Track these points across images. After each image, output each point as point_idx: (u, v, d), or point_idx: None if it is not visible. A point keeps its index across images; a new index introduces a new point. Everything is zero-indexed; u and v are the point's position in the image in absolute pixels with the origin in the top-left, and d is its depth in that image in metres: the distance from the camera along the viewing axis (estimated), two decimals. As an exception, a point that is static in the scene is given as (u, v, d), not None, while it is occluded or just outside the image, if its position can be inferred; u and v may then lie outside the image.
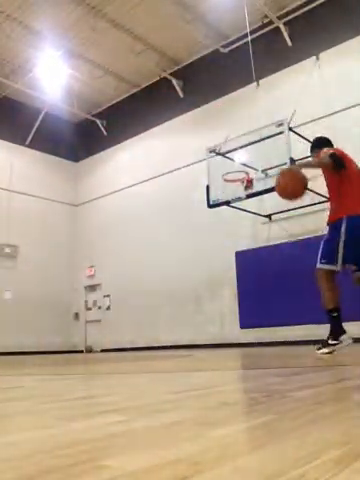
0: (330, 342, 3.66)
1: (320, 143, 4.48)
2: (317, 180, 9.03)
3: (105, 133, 14.46)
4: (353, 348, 5.03)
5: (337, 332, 3.69)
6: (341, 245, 3.70)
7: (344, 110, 9.05)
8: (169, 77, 12.43)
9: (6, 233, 12.76)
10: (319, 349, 3.71)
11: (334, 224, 3.81)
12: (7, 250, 12.73)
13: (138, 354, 8.05)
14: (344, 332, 3.70)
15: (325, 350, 3.63)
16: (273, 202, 8.54)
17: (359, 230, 3.71)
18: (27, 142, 13.77)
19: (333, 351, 3.61)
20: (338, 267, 3.75)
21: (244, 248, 9.81)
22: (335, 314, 3.76)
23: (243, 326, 9.50)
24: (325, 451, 0.61)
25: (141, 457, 0.62)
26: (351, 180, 3.90)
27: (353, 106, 8.95)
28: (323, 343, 3.72)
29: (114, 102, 14.13)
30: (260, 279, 9.08)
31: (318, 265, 3.82)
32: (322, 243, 3.89)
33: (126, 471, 0.55)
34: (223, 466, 0.56)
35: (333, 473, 0.52)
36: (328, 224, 3.93)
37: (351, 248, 3.72)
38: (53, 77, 12.18)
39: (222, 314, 10.17)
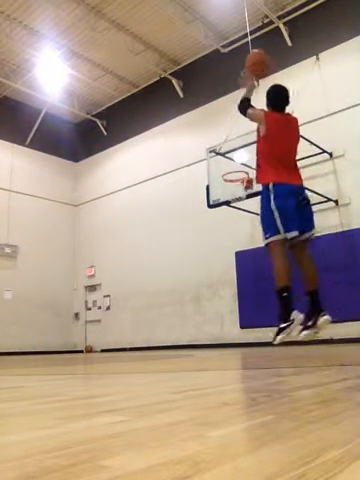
0: (282, 326, 3.46)
1: (269, 98, 4.22)
2: (317, 180, 9.06)
3: (105, 133, 14.46)
4: (353, 348, 5.04)
5: (287, 313, 3.48)
6: (276, 215, 3.59)
7: (344, 110, 9.06)
8: (169, 77, 12.43)
9: (6, 233, 12.76)
10: (274, 340, 3.53)
11: (263, 190, 3.77)
12: (7, 250, 12.73)
13: (138, 354, 8.06)
14: (293, 309, 3.49)
15: (281, 336, 3.46)
16: (273, 202, 8.54)
17: (286, 198, 3.62)
18: (27, 142, 13.77)
19: (290, 333, 3.45)
20: (283, 235, 3.58)
21: (244, 248, 9.81)
22: (285, 294, 3.52)
23: (243, 326, 9.50)
24: (325, 451, 0.61)
25: (141, 457, 0.62)
26: (273, 146, 3.81)
27: (353, 106, 8.96)
28: (277, 332, 3.52)
29: (114, 102, 14.13)
30: (260, 279, 9.08)
31: (264, 241, 3.71)
32: (260, 214, 3.81)
33: (126, 471, 0.55)
34: (223, 466, 0.56)
35: (333, 473, 0.52)
36: (257, 183, 3.93)
37: (286, 217, 3.60)
38: (53, 77, 12.18)
39: (222, 314, 10.17)
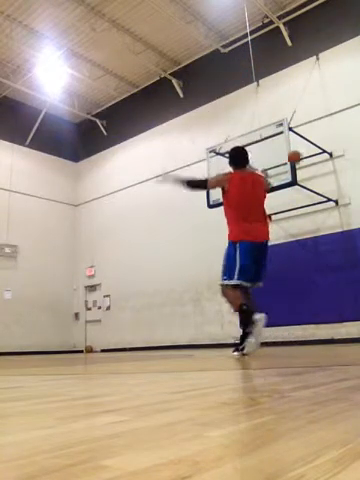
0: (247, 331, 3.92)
1: (231, 159, 4.59)
2: (317, 180, 9.06)
3: (105, 133, 14.46)
4: (353, 348, 5.04)
5: (249, 320, 3.95)
6: (237, 267, 4.12)
7: (344, 110, 9.05)
8: (169, 77, 12.43)
9: (6, 233, 12.76)
10: (241, 350, 3.95)
11: (229, 243, 4.28)
12: (7, 250, 12.73)
13: (138, 354, 8.05)
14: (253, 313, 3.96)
15: (240, 352, 3.90)
16: (273, 202, 8.54)
17: (248, 255, 4.14)
18: (27, 142, 13.77)
19: (251, 342, 3.88)
20: (236, 282, 4.11)
21: (244, 248, 9.80)
22: (245, 307, 4.01)
23: (243, 326, 9.49)
24: (325, 451, 0.61)
25: (141, 457, 0.62)
26: (231, 205, 4.30)
27: (353, 106, 8.96)
28: (238, 346, 3.97)
29: (114, 102, 14.13)
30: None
31: (220, 280, 4.27)
32: (224, 258, 4.32)
33: (126, 471, 0.55)
34: (223, 466, 0.56)
35: (333, 473, 0.52)
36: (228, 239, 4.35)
37: (244, 270, 4.13)
38: (53, 77, 12.18)
39: (222, 314, 10.16)
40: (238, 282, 4.09)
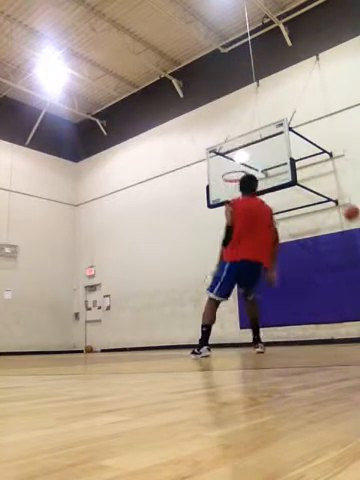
0: (196, 351, 4.37)
1: (239, 185, 5.03)
2: (317, 180, 9.06)
3: (105, 133, 14.46)
4: (354, 348, 5.05)
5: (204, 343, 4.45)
6: (219, 283, 4.58)
7: (344, 110, 9.05)
8: (169, 77, 12.43)
9: (6, 233, 12.76)
10: (193, 353, 4.36)
11: (221, 261, 4.71)
12: (7, 250, 12.73)
13: (138, 354, 8.06)
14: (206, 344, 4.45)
15: (192, 356, 4.32)
16: (273, 202, 8.54)
17: (236, 272, 4.59)
18: (27, 142, 13.77)
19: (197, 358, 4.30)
20: (214, 296, 4.60)
21: (244, 248, 9.80)
22: (205, 329, 4.51)
23: (243, 326, 9.49)
24: (325, 451, 0.61)
25: (141, 457, 0.62)
26: (234, 229, 4.64)
27: (353, 106, 8.96)
28: (192, 351, 4.42)
29: (114, 102, 14.13)
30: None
31: (206, 291, 4.71)
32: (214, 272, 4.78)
33: (126, 471, 0.55)
34: (223, 466, 0.56)
35: (333, 473, 0.52)
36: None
37: (224, 287, 4.59)
38: (53, 77, 12.17)
39: (222, 314, 10.12)
40: (215, 297, 4.55)
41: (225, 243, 4.66)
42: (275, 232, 4.86)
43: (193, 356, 4.30)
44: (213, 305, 4.60)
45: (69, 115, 14.53)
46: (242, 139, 8.30)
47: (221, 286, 4.55)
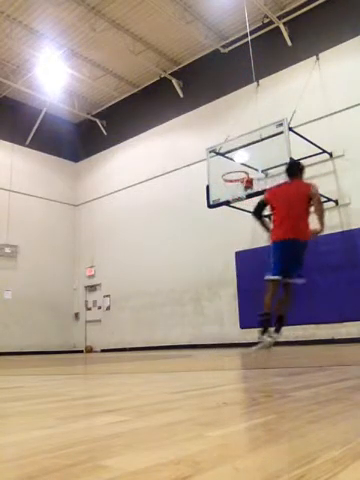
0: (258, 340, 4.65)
1: (286, 172, 5.34)
2: (317, 180, 9.05)
3: (105, 133, 14.46)
4: (354, 348, 5.05)
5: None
6: (272, 260, 4.89)
7: (344, 110, 9.05)
8: (169, 77, 12.43)
9: (6, 233, 12.76)
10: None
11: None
12: (7, 250, 12.73)
13: (138, 354, 8.05)
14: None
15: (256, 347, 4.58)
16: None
17: (281, 250, 4.86)
18: (27, 142, 13.77)
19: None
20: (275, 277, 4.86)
21: (244, 248, 9.81)
22: (259, 318, 4.76)
23: (243, 326, 9.50)
24: (325, 451, 0.61)
25: (141, 457, 0.62)
26: (275, 213, 5.03)
27: (353, 106, 8.95)
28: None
29: (114, 102, 14.13)
30: (260, 279, 9.06)
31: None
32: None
33: (126, 471, 0.55)
34: (223, 466, 0.56)
35: (333, 473, 0.52)
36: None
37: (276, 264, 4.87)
38: (53, 77, 12.18)
39: (222, 314, 10.17)
40: (271, 277, 4.83)
41: (254, 213, 5.14)
42: (318, 203, 4.94)
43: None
44: (269, 288, 4.82)
45: (69, 115, 14.53)
46: (242, 139, 8.29)
47: (275, 265, 4.82)
